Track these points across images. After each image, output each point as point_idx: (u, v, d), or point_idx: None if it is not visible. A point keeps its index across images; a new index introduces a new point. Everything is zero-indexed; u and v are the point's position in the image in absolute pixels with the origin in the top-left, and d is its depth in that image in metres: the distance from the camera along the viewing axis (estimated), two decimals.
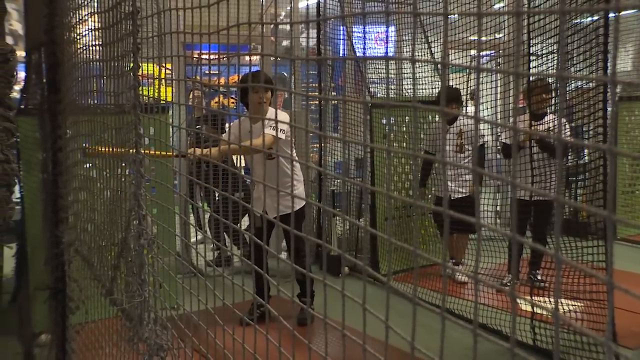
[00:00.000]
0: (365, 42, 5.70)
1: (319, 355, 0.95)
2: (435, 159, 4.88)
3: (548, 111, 4.60)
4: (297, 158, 3.95)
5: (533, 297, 4.06)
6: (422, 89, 5.50)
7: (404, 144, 5.51)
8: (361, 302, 0.80)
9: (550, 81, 4.68)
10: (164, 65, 1.87)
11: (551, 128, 4.44)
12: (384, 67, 5.99)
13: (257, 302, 1.22)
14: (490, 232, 5.10)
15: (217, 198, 5.33)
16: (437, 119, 5.11)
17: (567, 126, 4.41)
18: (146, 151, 1.93)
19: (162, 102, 4.15)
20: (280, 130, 3.65)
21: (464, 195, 4.95)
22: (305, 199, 4.14)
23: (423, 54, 5.53)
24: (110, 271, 1.61)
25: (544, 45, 4.01)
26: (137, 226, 1.38)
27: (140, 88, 1.55)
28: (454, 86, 5.21)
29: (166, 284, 1.54)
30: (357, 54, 5.69)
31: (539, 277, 4.58)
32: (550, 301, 3.92)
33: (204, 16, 1.36)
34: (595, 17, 3.41)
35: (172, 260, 3.42)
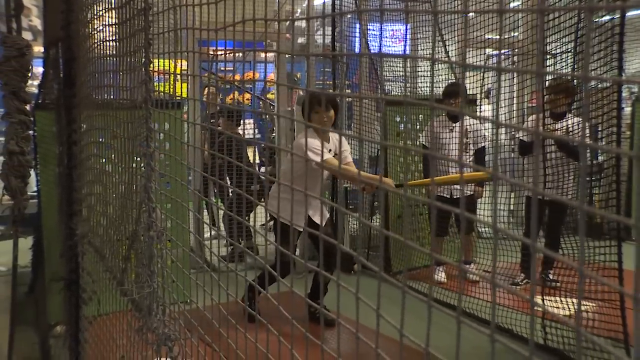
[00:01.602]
0: (368, 39, 5.69)
1: (319, 350, 0.95)
2: (424, 152, 4.84)
3: (568, 110, 4.53)
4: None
5: (545, 297, 4.03)
6: (436, 87, 5.47)
7: (417, 141, 5.49)
8: (355, 292, 0.80)
9: (571, 81, 4.63)
10: (179, 60, 1.88)
11: (570, 128, 4.39)
12: (398, 65, 5.97)
13: (246, 297, 1.22)
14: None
15: (230, 194, 5.35)
16: (443, 115, 5.07)
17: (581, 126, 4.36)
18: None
19: (176, 98, 4.19)
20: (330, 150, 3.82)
21: (466, 194, 4.92)
22: (334, 204, 4.31)
23: (438, 52, 5.51)
24: (122, 263, 1.63)
25: (560, 44, 3.97)
26: (147, 218, 1.39)
27: (152, 83, 1.56)
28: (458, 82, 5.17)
29: (179, 278, 1.55)
30: (372, 52, 5.68)
31: (551, 277, 4.54)
32: (562, 300, 3.89)
33: (218, 12, 1.37)
34: (611, 16, 3.37)
35: (185, 254, 3.45)
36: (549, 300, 4.01)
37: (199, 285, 1.36)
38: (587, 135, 4.23)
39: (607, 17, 3.47)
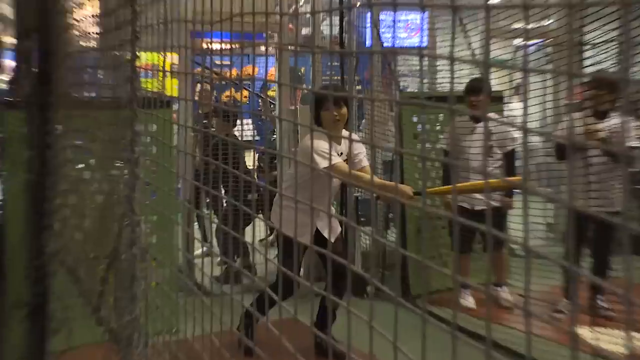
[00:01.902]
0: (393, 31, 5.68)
1: None
2: (442, 160, 4.78)
3: (614, 108, 4.40)
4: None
5: (596, 328, 3.87)
6: (458, 83, 5.44)
7: (438, 145, 5.46)
8: (368, 321, 0.77)
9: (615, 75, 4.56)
10: (167, 54, 1.85)
11: (615, 128, 4.28)
12: (414, 58, 5.95)
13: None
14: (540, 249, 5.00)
15: (224, 205, 5.32)
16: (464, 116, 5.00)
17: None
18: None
19: (166, 96, 4.16)
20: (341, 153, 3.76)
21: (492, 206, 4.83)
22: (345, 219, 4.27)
23: (459, 44, 5.48)
24: (99, 285, 1.60)
25: (601, 32, 3.93)
26: (129, 234, 1.36)
27: (139, 81, 1.55)
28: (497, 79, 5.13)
29: (165, 304, 1.52)
30: (384, 44, 5.67)
31: (603, 304, 4.39)
32: (617, 333, 3.77)
33: (214, 1, 1.36)
34: None
35: (173, 275, 3.39)
36: (601, 332, 3.87)
37: (188, 311, 1.33)
38: (632, 136, 4.16)
39: None
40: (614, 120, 4.33)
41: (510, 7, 5.03)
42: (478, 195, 4.81)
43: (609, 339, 3.73)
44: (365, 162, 3.85)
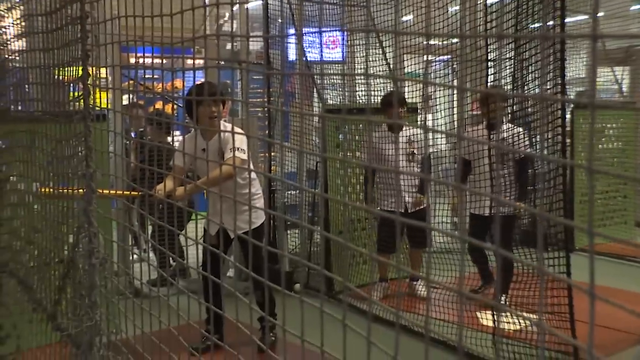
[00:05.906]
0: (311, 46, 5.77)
1: None
2: (361, 164, 5.07)
3: (505, 120, 4.65)
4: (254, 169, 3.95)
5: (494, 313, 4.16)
6: (377, 95, 5.59)
7: (358, 153, 5.58)
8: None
9: (506, 89, 4.84)
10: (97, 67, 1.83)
11: (507, 138, 4.52)
12: (336, 70, 6.06)
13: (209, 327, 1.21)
14: (446, 244, 5.22)
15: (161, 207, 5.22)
16: (384, 126, 5.14)
17: (524, 136, 4.54)
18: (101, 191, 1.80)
19: (98, 108, 4.08)
20: (241, 149, 3.55)
21: (417, 208, 5.03)
22: (268, 210, 3.97)
23: (377, 59, 5.63)
24: (54, 293, 1.55)
25: (503, 51, 4.16)
26: (87, 244, 1.34)
27: (92, 98, 1.53)
28: (400, 91, 5.30)
29: (108, 306, 1.51)
30: (307, 58, 5.74)
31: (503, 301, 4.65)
32: (511, 315, 4.04)
33: (143, 16, 1.36)
34: (552, 23, 3.58)
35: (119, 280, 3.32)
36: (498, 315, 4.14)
37: (127, 316, 1.33)
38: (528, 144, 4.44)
39: (549, 23, 3.65)
40: (506, 132, 4.54)
41: (417, 34, 5.23)
42: (407, 199, 5.00)
43: (506, 320, 3.97)
44: (234, 155, 3.34)
